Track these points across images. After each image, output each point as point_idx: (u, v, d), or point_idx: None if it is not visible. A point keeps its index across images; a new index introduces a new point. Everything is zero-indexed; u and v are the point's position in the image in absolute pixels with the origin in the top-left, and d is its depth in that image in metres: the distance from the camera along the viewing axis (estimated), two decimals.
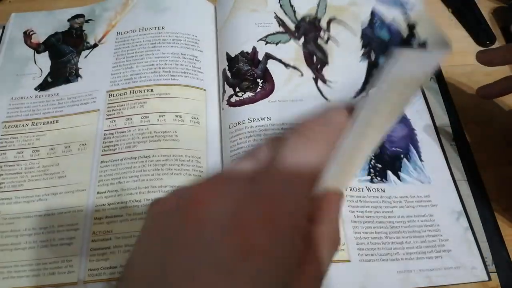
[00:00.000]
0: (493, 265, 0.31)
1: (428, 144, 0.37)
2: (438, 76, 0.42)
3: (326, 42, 0.42)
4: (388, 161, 0.35)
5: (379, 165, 0.35)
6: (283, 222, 0.14)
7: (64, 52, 0.42)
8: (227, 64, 0.40)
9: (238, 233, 0.14)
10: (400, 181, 0.35)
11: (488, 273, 0.31)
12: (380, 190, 0.34)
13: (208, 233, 0.14)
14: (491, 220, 0.34)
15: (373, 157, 0.35)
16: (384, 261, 0.30)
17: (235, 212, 0.14)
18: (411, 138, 0.37)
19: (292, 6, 0.43)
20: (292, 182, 0.15)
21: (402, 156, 0.36)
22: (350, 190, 0.33)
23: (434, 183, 0.35)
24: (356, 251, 0.30)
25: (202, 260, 0.13)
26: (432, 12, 0.47)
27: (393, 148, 0.36)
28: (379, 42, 0.42)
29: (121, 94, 0.38)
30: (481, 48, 0.44)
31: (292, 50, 0.41)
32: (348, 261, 0.30)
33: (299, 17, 0.43)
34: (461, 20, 0.47)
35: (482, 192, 0.35)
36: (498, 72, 0.43)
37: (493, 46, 0.45)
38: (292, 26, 0.42)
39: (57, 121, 0.38)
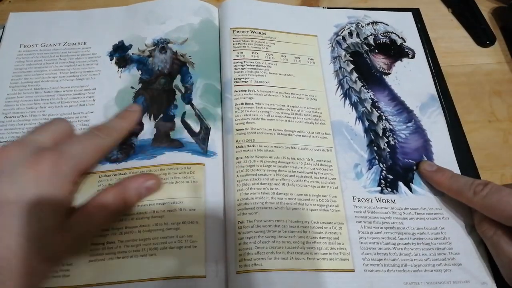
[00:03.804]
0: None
1: (443, 155, 0.37)
2: (438, 76, 0.41)
3: None
4: (400, 172, 0.36)
5: (390, 176, 0.35)
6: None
7: None
8: None
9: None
10: (412, 192, 0.35)
11: None
12: (390, 201, 0.34)
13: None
14: None
15: (384, 168, 0.35)
16: (390, 271, 0.31)
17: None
18: (425, 149, 0.37)
19: None
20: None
21: (415, 167, 0.36)
22: (358, 201, 0.33)
23: (447, 195, 0.34)
24: (361, 261, 0.31)
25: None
26: (432, 12, 0.47)
27: (406, 160, 0.36)
28: None
29: None
30: (481, 48, 0.44)
31: None
32: (352, 270, 0.30)
33: None
34: (461, 20, 0.46)
35: None
36: (498, 72, 0.43)
37: (493, 47, 0.44)
38: None
39: None
